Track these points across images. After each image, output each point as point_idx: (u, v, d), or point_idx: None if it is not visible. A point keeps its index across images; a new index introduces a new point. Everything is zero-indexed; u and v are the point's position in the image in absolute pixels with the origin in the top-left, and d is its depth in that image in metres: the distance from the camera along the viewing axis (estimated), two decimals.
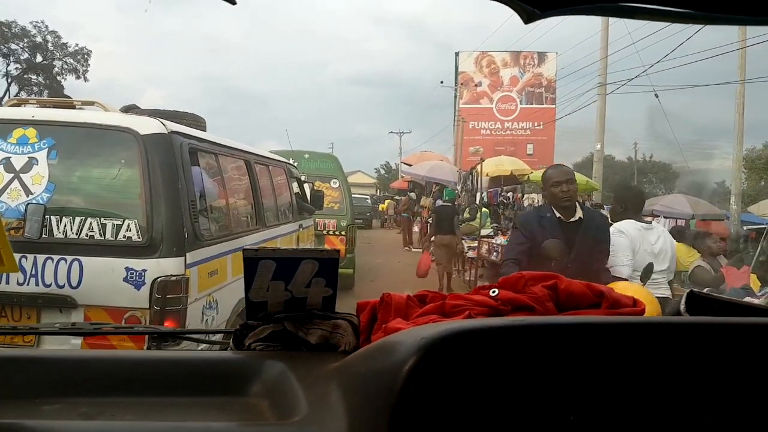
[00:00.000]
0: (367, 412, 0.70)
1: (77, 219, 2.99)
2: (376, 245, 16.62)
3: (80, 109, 3.42)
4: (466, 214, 13.29)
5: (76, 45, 33.10)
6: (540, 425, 0.69)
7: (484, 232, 11.07)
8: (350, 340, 1.04)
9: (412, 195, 21.23)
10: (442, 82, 30.81)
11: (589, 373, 0.71)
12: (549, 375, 0.70)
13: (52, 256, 2.95)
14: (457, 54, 30.10)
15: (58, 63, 33.06)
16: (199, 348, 1.68)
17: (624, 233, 3.51)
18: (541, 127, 28.29)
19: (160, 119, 3.19)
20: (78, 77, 32.99)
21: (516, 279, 1.09)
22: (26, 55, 32.35)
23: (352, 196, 14.00)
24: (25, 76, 32.18)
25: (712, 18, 0.66)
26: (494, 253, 8.70)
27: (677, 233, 6.49)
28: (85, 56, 33.09)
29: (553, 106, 28.45)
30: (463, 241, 11.19)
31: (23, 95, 27.76)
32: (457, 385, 0.68)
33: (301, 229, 6.41)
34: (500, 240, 8.97)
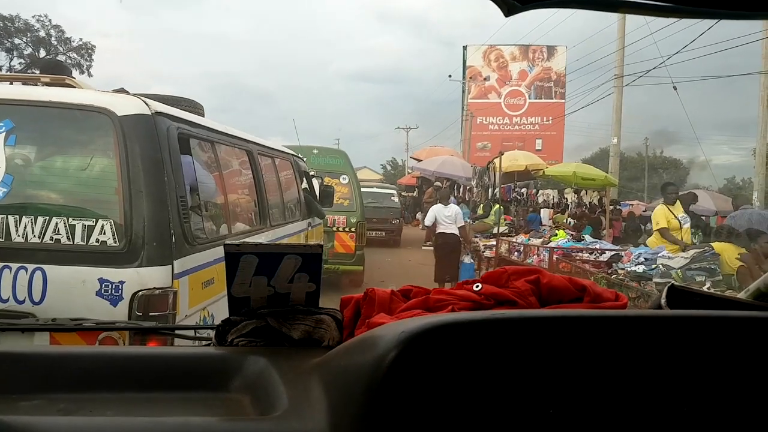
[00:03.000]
0: (348, 405, 0.70)
1: (40, 219, 2.45)
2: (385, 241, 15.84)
3: (47, 86, 2.86)
4: (479, 211, 12.77)
5: (80, 40, 32.68)
6: (520, 418, 0.68)
7: (497, 229, 10.54)
8: (334, 335, 1.03)
9: (438, 184, 17.51)
10: (450, 76, 30.20)
11: (569, 367, 0.71)
12: (529, 368, 0.70)
13: (10, 264, 2.41)
14: (465, 48, 29.51)
15: (61, 58, 32.55)
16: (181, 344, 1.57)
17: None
18: (551, 122, 27.68)
19: (143, 98, 2.63)
20: (82, 72, 32.46)
21: (499, 273, 1.10)
22: (29, 50, 31.88)
23: (372, 192, 13.68)
24: (29, 71, 31.72)
25: (694, 12, 0.65)
26: (516, 253, 8.18)
27: (727, 232, 5.95)
28: (89, 51, 32.65)
29: (563, 100, 27.86)
30: (476, 239, 10.66)
31: None
32: (437, 378, 0.67)
33: (309, 228, 5.87)
34: (521, 239, 8.42)
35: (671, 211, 6.66)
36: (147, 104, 2.58)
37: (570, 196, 13.86)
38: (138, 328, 1.77)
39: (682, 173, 38.15)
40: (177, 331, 1.60)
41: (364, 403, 0.67)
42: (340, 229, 8.42)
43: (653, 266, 5.66)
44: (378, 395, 0.66)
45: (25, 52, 31.92)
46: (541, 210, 14.75)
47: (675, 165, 39.53)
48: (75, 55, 32.67)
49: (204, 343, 1.32)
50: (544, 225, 11.85)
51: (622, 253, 6.50)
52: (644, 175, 36.47)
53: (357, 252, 8.43)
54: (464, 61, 29.35)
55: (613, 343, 0.72)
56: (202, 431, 0.73)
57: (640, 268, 5.74)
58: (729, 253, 5.53)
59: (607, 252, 7.06)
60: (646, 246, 6.74)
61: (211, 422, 0.78)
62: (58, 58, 32.08)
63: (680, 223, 6.62)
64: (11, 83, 2.91)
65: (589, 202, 13.69)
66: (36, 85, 2.87)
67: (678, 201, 6.85)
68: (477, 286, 1.05)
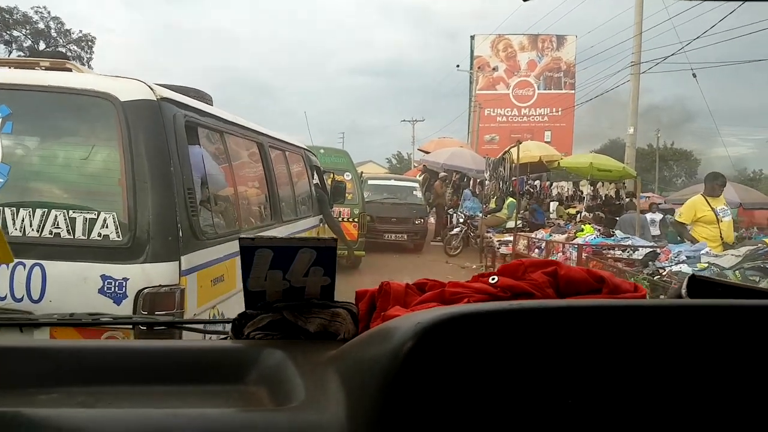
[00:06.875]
0: (364, 396, 0.70)
1: (38, 211, 2.30)
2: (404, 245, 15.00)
3: (47, 70, 2.68)
4: (491, 204, 12.49)
5: (80, 32, 32.42)
6: (538, 409, 0.68)
7: (510, 224, 10.35)
8: (349, 328, 1.04)
9: (444, 175, 16.15)
10: (458, 66, 29.77)
11: (587, 357, 0.70)
12: (546, 359, 0.70)
13: None
14: (472, 37, 29.15)
15: (62, 50, 32.37)
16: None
17: None
18: (560, 113, 27.35)
19: (147, 83, 2.46)
20: (83, 64, 32.18)
21: (516, 266, 1.09)
22: (29, 43, 31.69)
23: (389, 185, 14.19)
24: None
25: None
26: (536, 250, 7.74)
27: None
28: (90, 43, 32.39)
29: (572, 91, 27.47)
30: (489, 234, 10.46)
31: None
32: (453, 369, 0.68)
33: (321, 224, 5.72)
34: (542, 234, 8.11)
35: (709, 203, 5.97)
36: (152, 89, 2.41)
37: (585, 189, 13.58)
38: (154, 323, 1.75)
39: (693, 165, 37.65)
40: (193, 326, 1.65)
41: (380, 394, 0.67)
42: (345, 219, 9.82)
43: (697, 265, 5.04)
44: (394, 386, 0.66)
45: (25, 45, 31.71)
46: (550, 203, 14.47)
47: (686, 156, 39.00)
48: (75, 47, 32.37)
49: (221, 336, 1.34)
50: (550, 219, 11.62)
51: (659, 251, 5.89)
52: (654, 166, 36.02)
53: (360, 239, 9.94)
54: (472, 51, 29.00)
55: (633, 333, 0.72)
56: (219, 422, 0.73)
57: (684, 267, 5.04)
58: None
59: (641, 249, 6.42)
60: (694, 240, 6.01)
61: (228, 413, 0.78)
62: (58, 50, 31.89)
63: (717, 216, 5.93)
64: (10, 68, 2.73)
65: (606, 195, 13.42)
66: (35, 69, 2.69)
67: (722, 193, 6.10)
68: (493, 279, 1.05)
